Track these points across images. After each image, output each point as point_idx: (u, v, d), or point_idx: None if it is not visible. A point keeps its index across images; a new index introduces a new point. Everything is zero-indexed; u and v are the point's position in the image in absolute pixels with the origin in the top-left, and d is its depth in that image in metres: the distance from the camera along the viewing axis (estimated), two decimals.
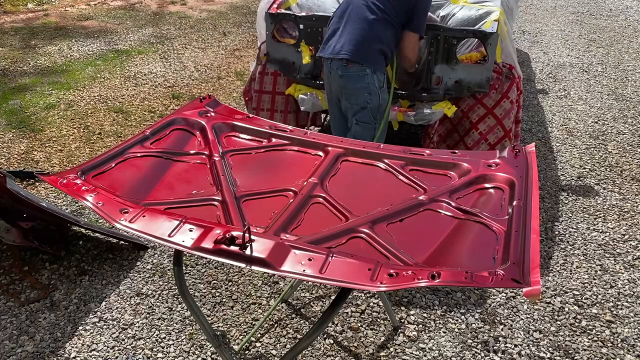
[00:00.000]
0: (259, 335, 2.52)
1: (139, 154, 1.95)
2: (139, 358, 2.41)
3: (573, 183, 3.79)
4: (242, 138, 2.15)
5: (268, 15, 3.44)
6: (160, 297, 2.74)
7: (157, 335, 2.52)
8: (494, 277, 1.31)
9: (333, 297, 2.44)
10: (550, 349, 2.47)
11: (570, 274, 2.94)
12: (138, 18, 7.52)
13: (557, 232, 3.26)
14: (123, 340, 2.49)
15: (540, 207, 3.39)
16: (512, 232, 1.53)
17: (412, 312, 2.66)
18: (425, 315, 2.65)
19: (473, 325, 2.59)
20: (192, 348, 2.45)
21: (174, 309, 2.67)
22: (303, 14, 3.47)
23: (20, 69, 5.63)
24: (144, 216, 1.54)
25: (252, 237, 1.41)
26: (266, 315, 2.58)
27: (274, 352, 2.44)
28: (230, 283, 2.83)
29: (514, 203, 1.66)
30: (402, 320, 2.61)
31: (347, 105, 3.06)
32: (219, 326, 2.57)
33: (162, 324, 2.59)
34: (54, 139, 4.27)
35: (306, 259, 1.39)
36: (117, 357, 2.41)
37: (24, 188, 3.54)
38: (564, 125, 4.61)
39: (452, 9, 3.57)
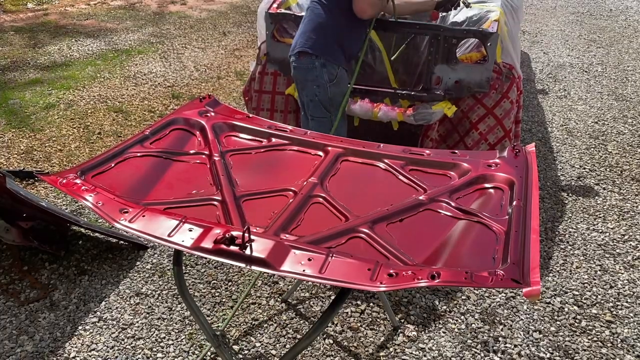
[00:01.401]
0: (258, 335, 2.52)
1: (138, 154, 1.94)
2: (139, 358, 2.41)
3: (573, 183, 3.79)
4: (241, 138, 2.15)
5: (268, 15, 3.44)
6: (159, 297, 2.74)
7: (156, 335, 2.52)
8: (493, 277, 1.31)
9: (333, 297, 2.44)
10: (550, 349, 2.47)
11: (570, 274, 2.94)
12: (138, 18, 7.52)
13: (557, 232, 3.26)
14: (122, 340, 2.49)
15: (540, 207, 3.40)
16: (511, 232, 1.53)
17: (411, 312, 2.66)
18: (425, 315, 2.65)
19: (473, 325, 2.59)
20: (191, 348, 2.45)
21: (173, 308, 2.67)
22: (303, 14, 3.46)
23: (20, 68, 5.63)
24: (143, 216, 1.54)
25: (252, 237, 1.41)
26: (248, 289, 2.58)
27: (273, 352, 2.44)
28: (230, 283, 2.83)
29: (514, 203, 1.66)
30: (402, 321, 2.61)
31: (302, 97, 3.09)
32: (218, 326, 2.57)
33: (161, 323, 2.58)
34: (53, 138, 4.27)
35: (306, 259, 1.39)
36: (116, 357, 2.41)
37: (24, 188, 3.54)
38: (564, 125, 4.61)
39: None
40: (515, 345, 2.49)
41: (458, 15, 3.43)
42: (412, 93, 3.37)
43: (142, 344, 2.47)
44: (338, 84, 2.98)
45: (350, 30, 2.99)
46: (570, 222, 3.37)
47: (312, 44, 2.93)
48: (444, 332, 2.55)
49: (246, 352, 2.44)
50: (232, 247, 1.39)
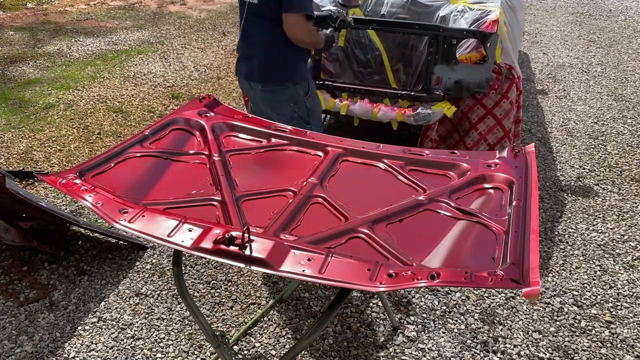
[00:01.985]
0: (258, 335, 2.52)
1: (138, 154, 1.94)
2: (138, 358, 2.41)
3: (572, 183, 3.79)
4: (241, 138, 2.15)
5: None
6: (159, 297, 2.74)
7: (156, 335, 2.52)
8: (493, 277, 1.31)
9: (332, 298, 2.44)
10: (549, 349, 2.48)
11: (570, 274, 2.94)
12: (137, 18, 7.52)
13: (556, 233, 3.26)
14: (122, 340, 2.49)
15: (539, 207, 3.40)
16: (511, 233, 1.53)
17: (411, 313, 2.66)
18: (424, 315, 2.65)
19: (472, 325, 2.59)
20: (191, 348, 2.45)
21: (173, 309, 2.67)
22: None
23: (20, 68, 5.63)
24: (143, 216, 1.54)
25: (252, 237, 1.41)
26: (263, 311, 2.58)
27: (273, 352, 2.44)
28: (229, 283, 2.83)
29: (514, 203, 1.66)
30: (402, 321, 2.61)
31: (275, 117, 2.69)
32: (218, 326, 2.57)
33: (161, 324, 2.58)
34: (53, 138, 4.27)
35: (305, 259, 1.39)
36: (116, 357, 2.41)
37: (23, 188, 3.53)
38: (564, 125, 4.62)
39: (452, 9, 3.58)
40: (515, 346, 2.49)
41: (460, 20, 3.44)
42: (412, 93, 3.37)
43: (142, 344, 2.47)
44: (313, 95, 2.82)
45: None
46: (569, 222, 3.37)
47: (278, 74, 2.66)
48: (443, 333, 2.55)
49: (246, 352, 2.44)
50: (232, 248, 1.39)
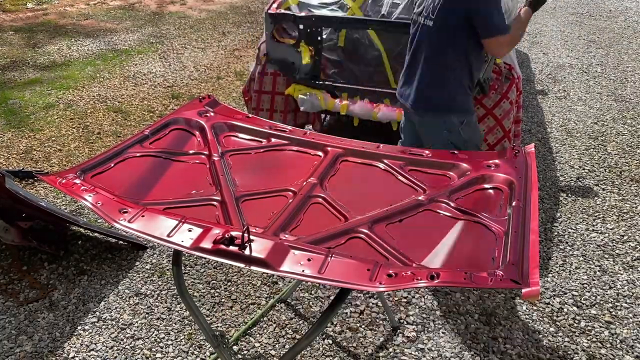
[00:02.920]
0: (257, 335, 2.52)
1: (138, 154, 1.94)
2: (138, 358, 2.41)
3: (572, 184, 3.79)
4: (241, 138, 2.15)
5: (268, 15, 3.44)
6: (159, 297, 2.74)
7: (155, 335, 2.52)
8: (493, 277, 1.31)
9: (332, 298, 2.44)
10: (549, 349, 2.47)
11: (570, 274, 2.94)
12: (137, 18, 7.52)
13: (556, 233, 3.26)
14: (122, 340, 2.49)
15: (539, 207, 3.40)
16: (511, 233, 1.53)
17: (411, 313, 2.66)
18: (424, 315, 2.65)
19: (472, 325, 2.59)
20: (190, 348, 2.45)
21: (172, 309, 2.67)
22: (303, 14, 3.46)
23: (20, 68, 5.63)
24: (143, 216, 1.54)
25: (251, 237, 1.41)
26: (262, 310, 2.58)
27: (272, 352, 2.44)
28: (229, 283, 2.83)
29: (513, 204, 1.67)
30: (401, 321, 2.61)
31: (426, 140, 2.74)
32: (217, 326, 2.57)
33: (160, 324, 2.58)
34: (53, 138, 4.27)
35: (305, 259, 1.39)
36: (115, 357, 2.41)
37: (23, 188, 3.53)
38: (564, 126, 4.62)
39: None
40: (515, 346, 2.49)
41: None
42: None
43: (142, 344, 2.47)
44: (471, 126, 2.71)
45: (474, 63, 2.62)
46: (569, 222, 3.37)
47: (435, 100, 2.61)
48: (443, 333, 2.55)
49: (245, 352, 2.44)
50: (232, 248, 1.39)
